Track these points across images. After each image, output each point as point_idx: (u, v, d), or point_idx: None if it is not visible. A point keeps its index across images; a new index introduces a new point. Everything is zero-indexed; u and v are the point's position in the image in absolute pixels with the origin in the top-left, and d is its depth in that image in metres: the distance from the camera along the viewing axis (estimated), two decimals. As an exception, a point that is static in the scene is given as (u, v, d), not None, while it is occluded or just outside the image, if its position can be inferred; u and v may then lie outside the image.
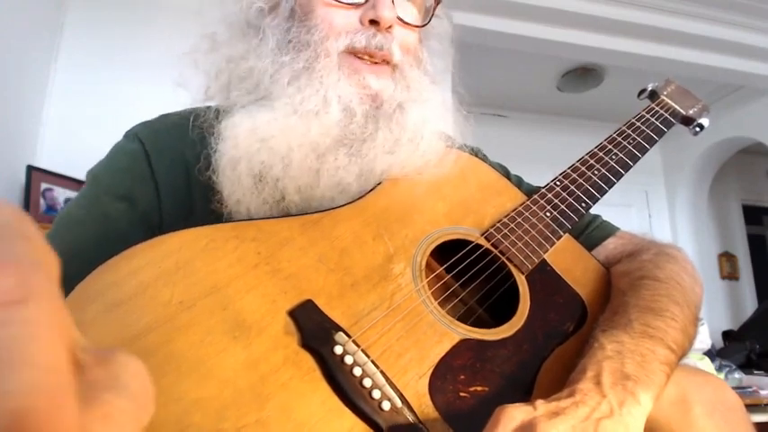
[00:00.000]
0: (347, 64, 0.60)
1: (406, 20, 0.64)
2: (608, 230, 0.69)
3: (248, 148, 0.57)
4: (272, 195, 0.57)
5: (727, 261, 3.88)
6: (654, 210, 3.85)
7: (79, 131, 1.94)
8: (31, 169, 1.77)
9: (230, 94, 0.63)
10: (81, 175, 2.15)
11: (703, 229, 3.77)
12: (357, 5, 0.61)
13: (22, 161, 1.78)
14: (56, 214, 1.77)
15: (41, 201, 1.76)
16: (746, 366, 2.48)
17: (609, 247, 0.66)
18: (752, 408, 1.87)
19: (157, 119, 0.68)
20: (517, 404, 0.41)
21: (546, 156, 3.42)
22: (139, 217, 0.59)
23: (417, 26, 0.66)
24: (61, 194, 1.83)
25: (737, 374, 2.23)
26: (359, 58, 0.61)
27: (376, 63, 0.62)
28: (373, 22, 0.60)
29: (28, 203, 1.72)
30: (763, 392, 2.08)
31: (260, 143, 0.57)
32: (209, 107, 0.64)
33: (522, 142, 3.32)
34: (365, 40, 0.60)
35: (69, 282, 0.39)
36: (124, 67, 2.03)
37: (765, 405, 1.95)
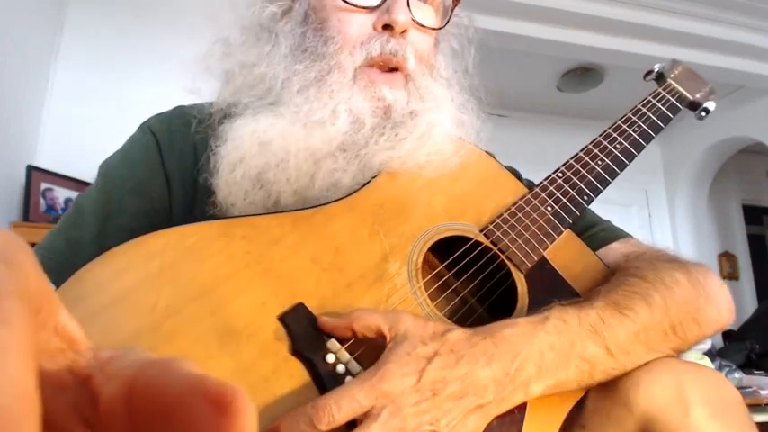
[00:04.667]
0: (364, 76, 0.59)
1: (422, 23, 0.61)
2: (615, 234, 0.65)
3: (248, 151, 0.56)
4: (267, 200, 0.56)
5: (727, 261, 3.87)
6: (654, 209, 3.84)
7: (79, 131, 1.94)
8: (31, 169, 1.77)
9: (240, 98, 0.62)
10: (81, 175, 2.14)
11: (703, 229, 3.76)
12: (371, 9, 0.59)
13: (22, 161, 1.78)
14: (56, 214, 1.77)
15: (41, 201, 1.76)
16: (746, 366, 2.47)
17: (614, 250, 0.62)
18: (752, 408, 1.87)
19: (171, 111, 0.68)
20: (434, 325, 0.42)
21: (546, 156, 3.40)
22: (149, 210, 0.59)
23: (434, 29, 0.64)
24: (61, 194, 1.82)
25: (737, 374, 2.23)
26: (375, 66, 0.59)
27: (389, 70, 0.60)
28: (387, 27, 0.58)
29: (28, 203, 1.72)
30: (763, 392, 2.08)
31: (259, 146, 0.56)
32: (219, 109, 0.63)
33: (521, 142, 3.31)
34: (380, 46, 0.58)
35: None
36: (124, 66, 2.03)
37: (765, 405, 1.94)
